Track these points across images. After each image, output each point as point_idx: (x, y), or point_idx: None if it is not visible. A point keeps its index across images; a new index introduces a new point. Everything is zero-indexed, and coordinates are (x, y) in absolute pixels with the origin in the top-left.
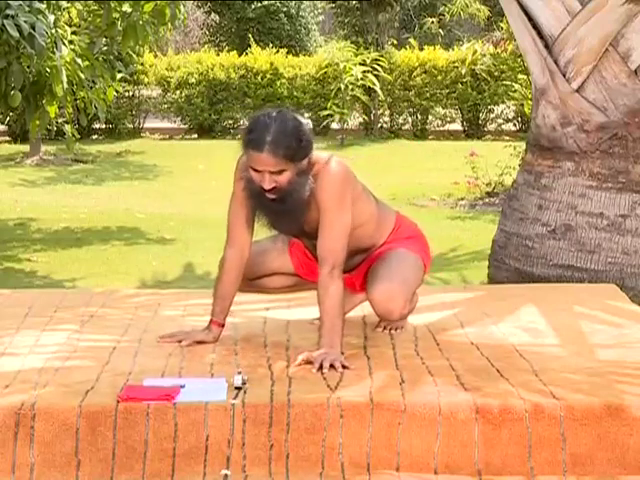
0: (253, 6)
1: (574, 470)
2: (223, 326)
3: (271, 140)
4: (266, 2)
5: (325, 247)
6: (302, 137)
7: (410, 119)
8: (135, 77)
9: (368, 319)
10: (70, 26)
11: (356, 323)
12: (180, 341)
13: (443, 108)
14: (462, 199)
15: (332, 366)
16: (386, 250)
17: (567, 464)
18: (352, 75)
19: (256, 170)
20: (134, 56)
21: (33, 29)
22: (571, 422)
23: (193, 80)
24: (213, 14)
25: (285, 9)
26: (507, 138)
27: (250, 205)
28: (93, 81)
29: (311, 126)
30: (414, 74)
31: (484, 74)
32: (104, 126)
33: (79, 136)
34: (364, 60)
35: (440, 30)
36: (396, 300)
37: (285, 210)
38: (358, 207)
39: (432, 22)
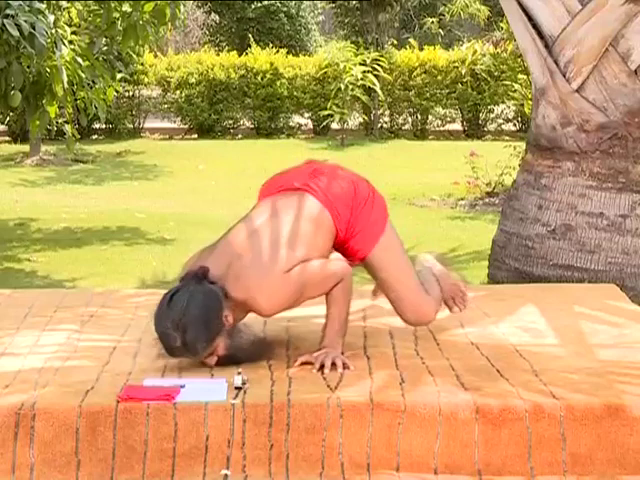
0: (253, 6)
1: (574, 470)
2: None
3: (180, 347)
4: (266, 2)
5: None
6: (210, 323)
7: (410, 119)
8: (135, 77)
9: (368, 319)
10: (70, 26)
11: (356, 323)
12: None
13: (443, 108)
14: (462, 199)
15: (333, 365)
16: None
17: (567, 464)
18: (352, 75)
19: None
20: (134, 56)
21: (33, 29)
22: (571, 422)
23: (193, 80)
24: (213, 14)
25: (285, 9)
26: (507, 138)
27: None
28: (93, 81)
29: (219, 295)
30: (414, 74)
31: (484, 74)
32: (104, 126)
33: (79, 136)
34: (364, 60)
35: (440, 30)
36: (425, 312)
37: (241, 356)
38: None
39: (432, 22)
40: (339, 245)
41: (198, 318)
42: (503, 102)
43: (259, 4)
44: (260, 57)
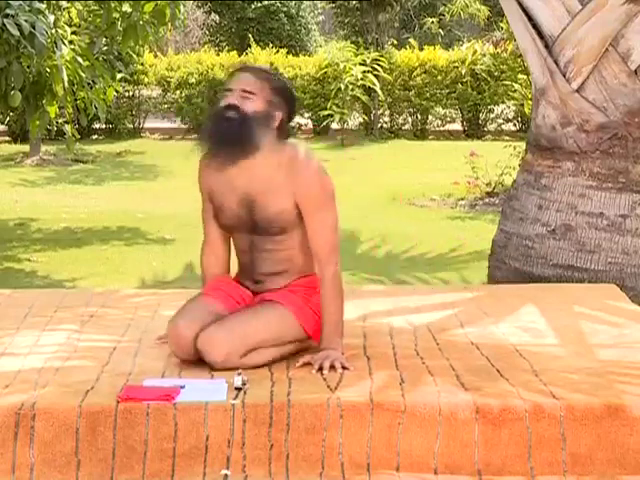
0: (253, 6)
1: (574, 470)
2: None
3: (258, 67)
4: (266, 2)
5: (323, 247)
6: (289, 92)
7: (410, 119)
8: (135, 77)
9: (368, 319)
10: (70, 26)
11: (356, 323)
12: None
13: (443, 108)
14: (462, 199)
15: (332, 367)
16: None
17: (567, 464)
18: (352, 75)
19: (229, 90)
20: (134, 56)
21: (33, 28)
22: (571, 422)
23: (193, 80)
24: (213, 14)
25: (285, 9)
26: (507, 138)
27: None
28: (93, 81)
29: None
30: (414, 74)
31: (484, 74)
32: (104, 126)
33: (79, 136)
34: (364, 60)
35: (440, 30)
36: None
37: (232, 134)
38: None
39: (432, 22)
40: None
41: (285, 81)
42: (503, 102)
43: (259, 4)
44: (260, 57)
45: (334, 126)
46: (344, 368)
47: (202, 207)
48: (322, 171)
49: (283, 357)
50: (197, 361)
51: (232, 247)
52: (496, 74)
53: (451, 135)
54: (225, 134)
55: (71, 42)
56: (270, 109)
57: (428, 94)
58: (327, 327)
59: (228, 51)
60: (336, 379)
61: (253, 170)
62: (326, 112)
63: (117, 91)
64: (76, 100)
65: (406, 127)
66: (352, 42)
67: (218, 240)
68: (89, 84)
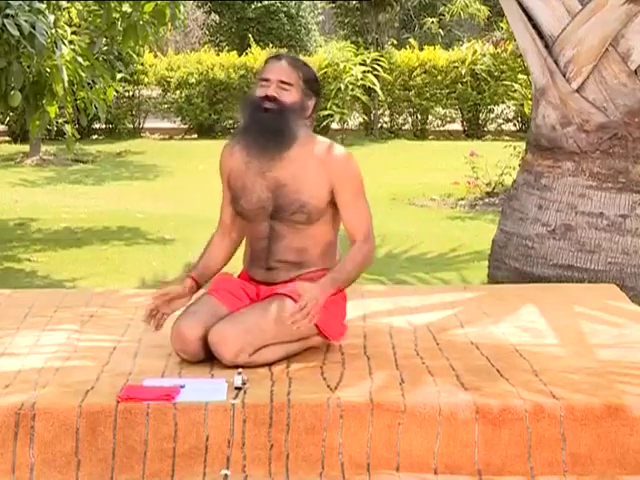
0: (253, 6)
1: (574, 470)
2: (197, 283)
3: (291, 57)
4: (266, 2)
5: (361, 231)
6: (318, 80)
7: (410, 119)
8: (135, 77)
9: (368, 319)
10: (70, 26)
11: (356, 323)
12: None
13: (443, 108)
14: (462, 199)
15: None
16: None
17: (567, 464)
18: (352, 75)
19: (265, 81)
20: (134, 56)
21: (33, 28)
22: (571, 422)
23: (193, 80)
24: (213, 14)
25: (285, 9)
26: (507, 138)
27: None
28: (93, 81)
29: None
30: (414, 74)
31: (484, 74)
32: (104, 126)
33: (79, 136)
34: (364, 60)
35: (440, 30)
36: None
37: (273, 127)
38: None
39: (432, 22)
40: None
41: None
42: (503, 102)
43: (259, 4)
44: (260, 57)
45: (334, 126)
46: (310, 319)
47: (223, 194)
48: (356, 162)
49: (291, 354)
50: (197, 360)
51: (235, 247)
52: (496, 74)
53: (451, 135)
54: (265, 127)
55: (71, 42)
56: (304, 99)
57: (428, 94)
58: (333, 273)
59: (228, 51)
60: (336, 379)
61: (288, 158)
62: (326, 112)
63: (117, 91)
64: (76, 100)
65: (406, 127)
66: (352, 42)
67: (231, 226)
68: (89, 84)
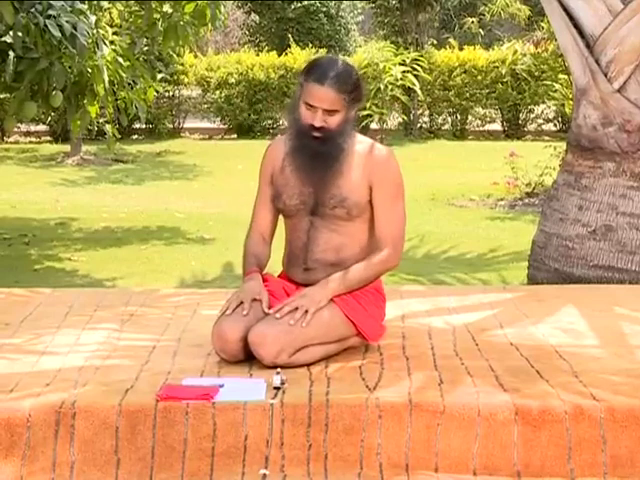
0: (293, 6)
1: (615, 472)
2: (260, 274)
3: (335, 75)
4: (306, 2)
5: (391, 236)
6: (361, 83)
7: (449, 119)
8: (175, 77)
9: (407, 319)
10: (111, 26)
11: (395, 324)
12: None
13: (483, 108)
14: (502, 199)
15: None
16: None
17: (607, 466)
18: (391, 75)
19: (310, 106)
20: (174, 56)
21: (75, 29)
22: (611, 424)
23: (233, 80)
24: (253, 14)
25: (325, 9)
26: (547, 138)
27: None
28: (134, 81)
29: None
30: (454, 74)
31: (524, 74)
32: (144, 126)
33: (119, 136)
34: (404, 60)
35: (480, 30)
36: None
37: (324, 153)
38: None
39: (472, 22)
40: None
41: (357, 72)
42: (543, 102)
43: (299, 4)
44: (300, 57)
45: (373, 126)
46: (303, 321)
47: (257, 193)
48: (397, 163)
49: (330, 355)
50: (236, 361)
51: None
52: (536, 74)
53: (491, 135)
54: (316, 153)
55: (112, 42)
56: (351, 112)
57: (468, 94)
58: (336, 276)
59: (268, 51)
60: (375, 379)
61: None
62: (365, 112)
63: (157, 91)
64: (117, 100)
65: (445, 127)
66: (392, 42)
67: (267, 224)
68: (130, 84)
